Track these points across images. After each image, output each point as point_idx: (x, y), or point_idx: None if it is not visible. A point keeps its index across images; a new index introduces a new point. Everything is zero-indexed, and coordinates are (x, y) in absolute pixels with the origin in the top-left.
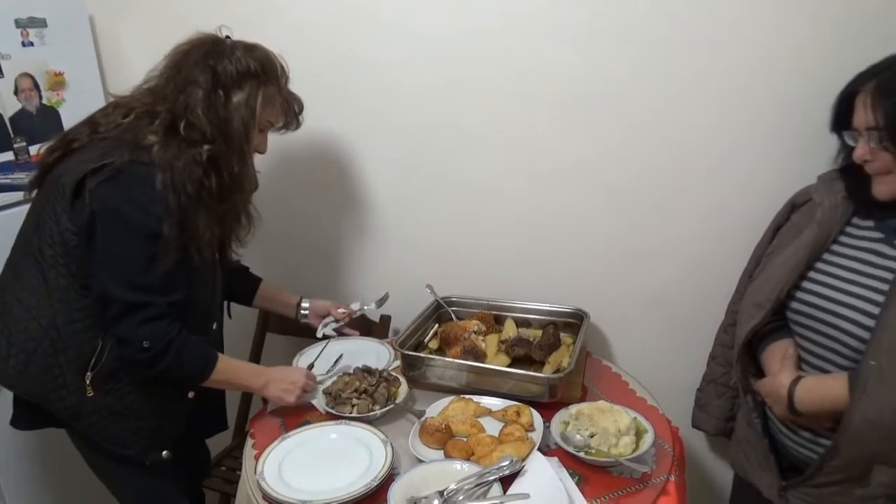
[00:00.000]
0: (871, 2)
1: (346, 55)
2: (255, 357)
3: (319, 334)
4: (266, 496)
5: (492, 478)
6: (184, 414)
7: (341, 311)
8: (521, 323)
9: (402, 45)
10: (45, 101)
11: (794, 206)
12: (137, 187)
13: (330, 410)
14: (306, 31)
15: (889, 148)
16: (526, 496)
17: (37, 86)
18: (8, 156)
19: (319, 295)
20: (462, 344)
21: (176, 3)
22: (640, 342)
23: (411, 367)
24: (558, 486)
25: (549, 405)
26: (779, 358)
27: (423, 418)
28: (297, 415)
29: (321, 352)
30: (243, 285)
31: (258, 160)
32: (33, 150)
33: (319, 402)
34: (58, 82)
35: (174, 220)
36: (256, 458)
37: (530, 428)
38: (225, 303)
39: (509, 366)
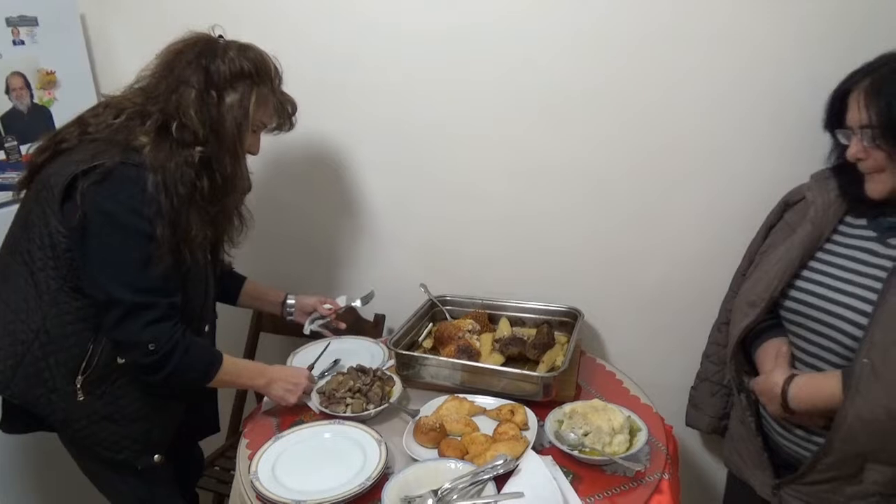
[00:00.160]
0: (864, 0)
1: (338, 56)
2: (249, 357)
3: (306, 331)
4: (260, 496)
5: (486, 477)
6: (176, 417)
7: (327, 306)
8: (515, 322)
9: (394, 45)
10: (36, 100)
11: (787, 205)
12: (129, 189)
13: (324, 410)
14: (300, 32)
15: (882, 146)
16: (520, 495)
17: (28, 85)
18: None
19: (313, 295)
20: (456, 343)
21: (168, 2)
22: (634, 341)
23: (405, 367)
24: (552, 484)
25: (543, 404)
26: (772, 356)
27: (417, 417)
28: (291, 414)
29: (321, 354)
30: (227, 284)
31: (251, 161)
32: (24, 149)
33: (313, 401)
34: (49, 81)
35: (166, 221)
36: (250, 457)
37: (524, 427)
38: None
39: (503, 365)
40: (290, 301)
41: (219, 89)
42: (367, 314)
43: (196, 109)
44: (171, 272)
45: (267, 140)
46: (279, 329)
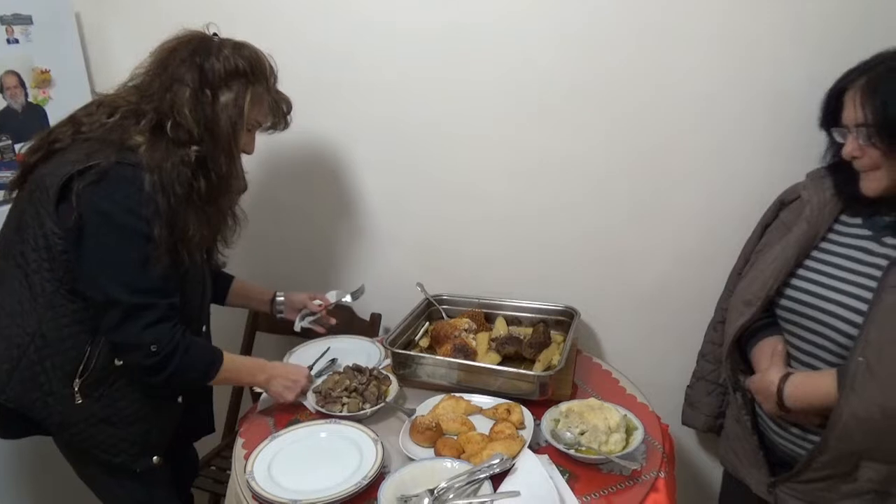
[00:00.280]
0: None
1: (334, 54)
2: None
3: (297, 328)
4: (256, 495)
5: (482, 476)
6: (174, 419)
7: (317, 302)
8: (511, 321)
9: (389, 43)
10: (30, 99)
11: (782, 204)
12: (125, 189)
13: (320, 409)
14: (295, 30)
15: (877, 144)
16: (516, 494)
17: (22, 83)
18: None
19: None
20: (452, 342)
21: (164, 0)
22: (631, 340)
23: (402, 366)
24: (549, 483)
25: (539, 403)
26: (768, 355)
27: (413, 416)
28: (287, 414)
29: (321, 356)
30: (215, 284)
31: (246, 160)
32: (18, 148)
33: (309, 400)
34: (44, 80)
35: (164, 221)
36: (246, 457)
37: (521, 426)
38: None
39: (500, 364)
40: (280, 298)
41: (213, 88)
42: (364, 313)
43: (191, 108)
44: (170, 273)
45: (263, 139)
46: (275, 328)
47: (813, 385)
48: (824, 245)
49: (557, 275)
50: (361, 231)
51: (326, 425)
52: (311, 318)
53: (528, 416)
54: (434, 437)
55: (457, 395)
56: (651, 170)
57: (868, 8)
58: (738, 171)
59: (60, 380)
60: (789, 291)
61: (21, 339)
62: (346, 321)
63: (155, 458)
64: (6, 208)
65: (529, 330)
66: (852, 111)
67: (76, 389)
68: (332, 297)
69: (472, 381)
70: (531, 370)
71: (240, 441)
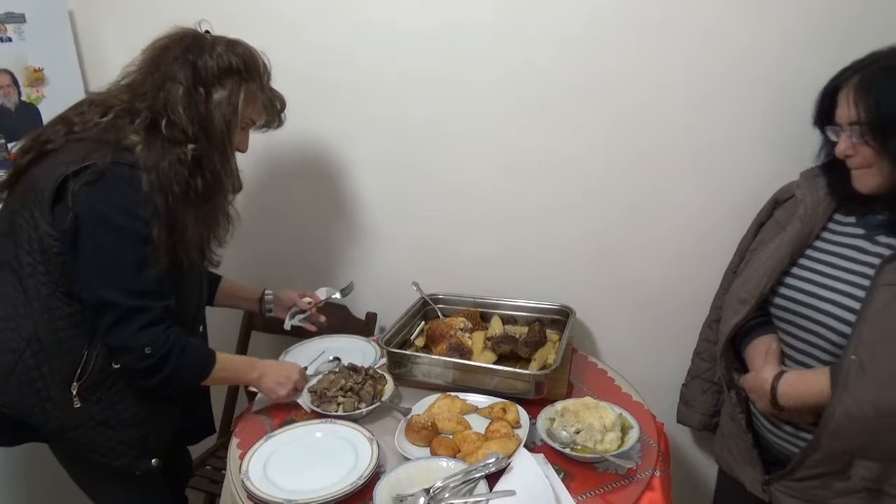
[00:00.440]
0: None
1: (333, 54)
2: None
3: (287, 326)
4: (251, 495)
5: (478, 475)
6: (173, 421)
7: (306, 300)
8: (507, 320)
9: (389, 43)
10: (24, 98)
11: (776, 203)
12: (122, 189)
13: (315, 409)
14: (294, 30)
15: (870, 142)
16: (512, 493)
17: (15, 82)
18: None
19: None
20: (448, 341)
21: None
22: (626, 338)
23: (397, 365)
24: (544, 482)
25: (535, 402)
26: (762, 353)
27: (409, 416)
28: (282, 413)
29: (318, 357)
30: None
31: (245, 160)
32: (12, 147)
33: (305, 400)
34: (37, 78)
35: (162, 222)
36: (241, 457)
37: (516, 425)
38: None
39: (495, 363)
40: (269, 296)
41: (206, 85)
42: (360, 312)
43: (184, 106)
44: (166, 275)
45: (260, 138)
46: (270, 328)
47: (806, 383)
48: (818, 244)
49: (555, 274)
50: (358, 230)
51: (322, 425)
52: (300, 317)
53: (523, 415)
54: (430, 436)
55: (452, 394)
56: (651, 169)
57: (862, 7)
58: (733, 170)
59: (58, 384)
60: (783, 290)
61: (17, 345)
62: (341, 320)
63: (154, 460)
64: None
65: (525, 329)
66: (846, 109)
67: (74, 393)
68: (321, 294)
69: (467, 381)
70: (527, 369)
71: (235, 441)
